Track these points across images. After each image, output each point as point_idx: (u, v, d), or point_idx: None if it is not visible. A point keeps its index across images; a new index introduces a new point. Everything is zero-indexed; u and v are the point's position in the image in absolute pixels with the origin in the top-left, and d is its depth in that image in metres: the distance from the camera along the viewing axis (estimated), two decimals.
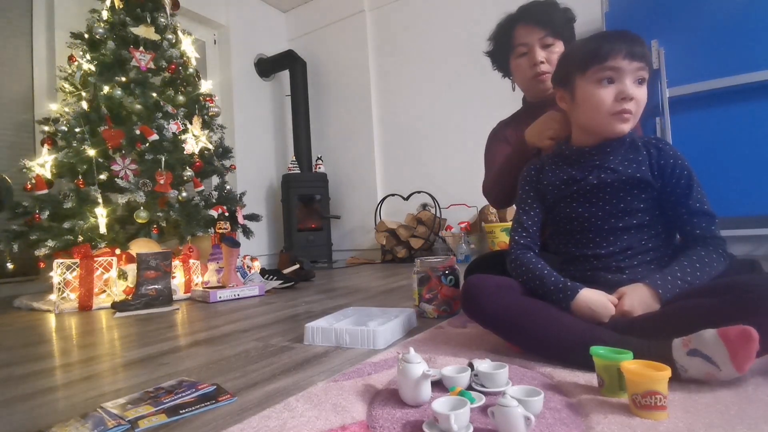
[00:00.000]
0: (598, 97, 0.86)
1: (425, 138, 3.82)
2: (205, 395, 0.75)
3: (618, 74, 0.84)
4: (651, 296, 0.79)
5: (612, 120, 0.86)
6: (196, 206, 2.41)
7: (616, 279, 0.87)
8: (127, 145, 2.28)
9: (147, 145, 2.28)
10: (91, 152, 2.19)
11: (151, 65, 2.43)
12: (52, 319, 1.71)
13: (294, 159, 3.94)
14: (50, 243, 2.04)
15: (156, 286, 1.88)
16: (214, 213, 2.47)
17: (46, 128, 2.29)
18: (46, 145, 2.24)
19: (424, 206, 3.63)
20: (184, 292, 2.12)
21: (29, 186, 2.16)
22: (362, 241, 4.09)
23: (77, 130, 2.21)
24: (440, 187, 3.63)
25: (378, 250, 3.78)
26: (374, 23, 4.10)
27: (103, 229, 2.12)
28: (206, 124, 2.66)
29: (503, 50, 1.31)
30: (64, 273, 1.90)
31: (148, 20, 2.49)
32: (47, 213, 2.10)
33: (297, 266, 2.41)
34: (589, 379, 0.71)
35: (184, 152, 2.43)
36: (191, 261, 2.22)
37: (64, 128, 2.21)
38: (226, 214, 2.56)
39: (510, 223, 2.94)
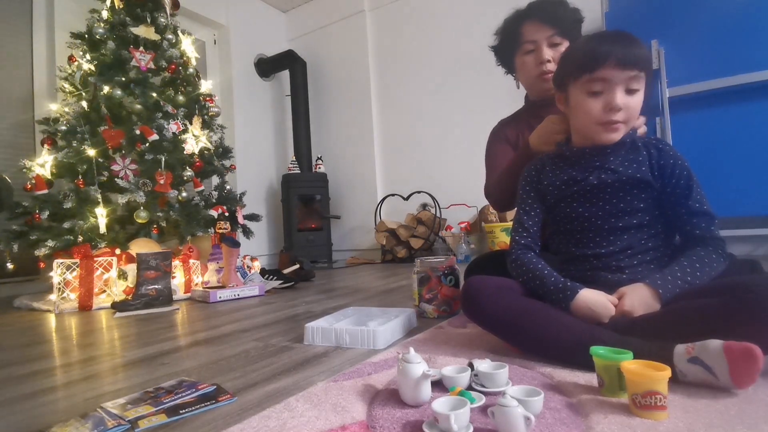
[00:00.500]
0: (586, 106, 0.87)
1: (425, 138, 3.82)
2: (205, 395, 0.75)
3: (607, 85, 0.84)
4: (651, 296, 0.79)
5: (600, 129, 0.87)
6: (196, 206, 2.41)
7: (616, 278, 0.87)
8: (127, 145, 2.28)
9: (147, 145, 2.28)
10: (91, 152, 2.19)
11: (151, 65, 2.43)
12: (52, 319, 1.71)
13: (294, 159, 3.94)
14: (50, 243, 2.04)
15: (156, 286, 1.88)
16: (214, 213, 2.47)
17: (46, 128, 2.29)
18: (46, 145, 2.24)
19: (424, 206, 3.63)
20: (184, 292, 2.12)
21: (29, 186, 2.16)
22: (362, 241, 4.09)
23: (77, 130, 2.21)
24: (440, 187, 3.63)
25: (378, 250, 3.78)
26: (374, 23, 4.10)
27: (103, 229, 2.12)
28: (206, 124, 2.66)
29: (509, 46, 1.29)
30: (64, 273, 1.90)
31: (148, 20, 2.49)
32: (47, 213, 2.10)
33: (297, 266, 2.41)
34: (589, 379, 0.71)
35: (184, 152, 2.43)
36: (191, 261, 2.22)
37: (64, 128, 2.21)
38: (226, 214, 2.56)
39: (510, 224, 2.94)
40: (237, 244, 2.17)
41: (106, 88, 2.28)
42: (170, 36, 2.56)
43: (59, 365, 1.05)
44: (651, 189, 0.88)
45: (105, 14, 2.41)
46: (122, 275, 1.98)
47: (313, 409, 0.66)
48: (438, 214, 3.50)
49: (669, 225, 0.91)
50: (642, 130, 0.98)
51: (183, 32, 2.71)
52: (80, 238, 2.09)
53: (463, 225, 3.36)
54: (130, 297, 1.85)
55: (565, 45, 1.21)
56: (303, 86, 4.06)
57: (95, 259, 1.93)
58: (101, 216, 2.13)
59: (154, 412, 0.68)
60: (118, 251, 2.07)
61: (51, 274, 1.97)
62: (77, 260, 1.89)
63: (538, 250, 0.98)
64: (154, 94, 2.40)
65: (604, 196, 0.90)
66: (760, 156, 2.25)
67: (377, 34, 4.08)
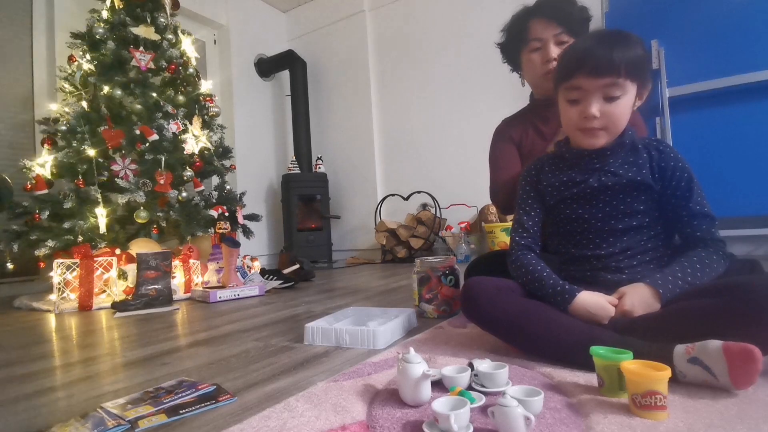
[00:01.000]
0: (566, 113, 0.89)
1: (425, 138, 3.82)
2: (205, 395, 0.75)
3: (582, 93, 0.85)
4: (651, 295, 0.79)
5: (579, 135, 0.89)
6: (196, 206, 2.41)
7: (615, 279, 0.87)
8: (127, 145, 2.28)
9: (147, 145, 2.28)
10: (91, 152, 2.19)
11: (151, 65, 2.43)
12: (52, 319, 1.71)
13: (294, 159, 3.94)
14: (50, 243, 2.04)
15: (156, 286, 1.88)
16: (214, 213, 2.47)
17: (46, 128, 2.29)
18: (46, 145, 2.24)
19: (424, 206, 3.63)
20: (184, 292, 2.12)
21: (29, 186, 2.16)
22: (362, 241, 4.09)
23: (77, 130, 2.21)
24: (440, 187, 3.63)
25: (378, 250, 3.78)
26: (374, 23, 4.10)
27: (103, 229, 2.12)
28: (206, 124, 2.66)
29: (516, 43, 1.27)
30: (64, 273, 1.90)
31: (148, 20, 2.49)
32: (47, 213, 2.10)
33: (297, 266, 2.41)
34: (589, 379, 0.71)
35: (184, 152, 2.43)
36: (191, 261, 2.22)
37: (64, 128, 2.21)
38: (226, 214, 2.56)
39: (510, 224, 2.94)
40: (237, 244, 2.17)
41: (106, 88, 2.28)
42: (170, 36, 2.56)
43: (59, 365, 1.05)
44: (651, 191, 0.88)
45: (105, 14, 2.41)
46: (122, 275, 1.98)
47: (313, 409, 0.66)
48: (438, 214, 3.50)
49: (669, 226, 0.91)
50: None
51: (183, 32, 2.71)
52: (80, 238, 2.09)
53: (463, 225, 3.36)
54: (130, 297, 1.85)
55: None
56: (303, 86, 4.06)
57: (95, 259, 1.93)
58: (101, 216, 2.13)
59: (154, 412, 0.68)
60: (118, 251, 2.07)
61: (51, 274, 1.97)
62: (77, 260, 1.89)
63: (538, 251, 0.98)
64: (154, 94, 2.41)
65: (603, 198, 0.90)
66: (760, 156, 2.25)
67: (377, 34, 4.08)
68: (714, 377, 0.63)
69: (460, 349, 0.94)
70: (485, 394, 0.68)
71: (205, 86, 2.70)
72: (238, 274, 2.18)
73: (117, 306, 1.76)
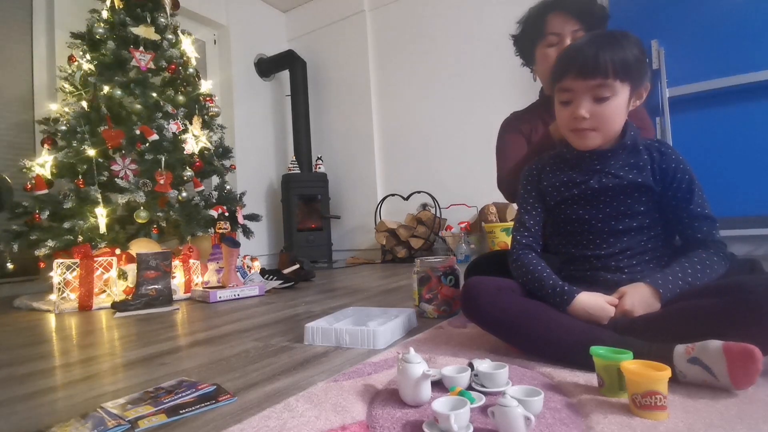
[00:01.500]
0: (559, 114, 0.91)
1: (425, 138, 3.82)
2: (205, 395, 0.75)
3: (572, 95, 0.86)
4: (651, 295, 0.79)
5: (571, 136, 0.90)
6: (196, 206, 2.41)
7: (615, 279, 0.87)
8: (127, 145, 2.28)
9: (147, 145, 2.28)
10: (91, 152, 2.19)
11: (151, 65, 2.43)
12: (52, 319, 1.71)
13: (294, 159, 3.94)
14: (50, 243, 2.04)
15: (156, 286, 1.88)
16: (214, 213, 2.47)
17: (46, 128, 2.29)
18: (46, 145, 2.24)
19: (424, 206, 3.63)
20: (184, 292, 2.12)
21: (29, 186, 2.16)
22: (362, 241, 4.09)
23: (77, 130, 2.21)
24: (440, 187, 3.63)
25: (378, 250, 3.78)
26: (374, 23, 4.10)
27: (103, 229, 2.12)
28: (206, 124, 2.66)
29: (531, 37, 1.24)
30: (64, 273, 1.90)
31: (148, 20, 2.49)
32: (47, 213, 2.10)
33: (297, 266, 2.41)
34: (589, 379, 0.71)
35: (184, 152, 2.43)
36: (191, 261, 2.22)
37: (64, 128, 2.21)
38: (226, 214, 2.56)
39: (510, 223, 2.94)
40: (237, 244, 2.17)
41: (106, 88, 2.28)
42: (170, 36, 2.56)
43: (59, 365, 1.05)
44: (652, 193, 0.88)
45: (105, 14, 2.41)
46: (122, 275, 1.98)
47: (313, 409, 0.66)
48: (438, 214, 3.50)
49: (669, 227, 0.91)
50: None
51: (183, 32, 2.71)
52: (80, 238, 2.09)
53: (463, 225, 3.36)
54: (130, 297, 1.85)
55: None
56: (303, 86, 4.05)
57: (95, 259, 1.93)
58: (101, 216, 2.13)
59: (154, 412, 0.68)
60: (118, 251, 2.07)
61: (51, 274, 1.97)
62: (77, 260, 1.89)
63: (539, 250, 0.98)
64: (154, 94, 2.41)
65: (604, 199, 0.90)
66: (760, 156, 2.25)
67: (377, 34, 4.08)
68: (714, 377, 0.63)
69: (460, 349, 0.94)
70: (485, 394, 0.68)
71: (205, 86, 2.70)
72: (238, 274, 2.18)
73: (117, 306, 1.76)
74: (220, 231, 2.45)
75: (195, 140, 2.51)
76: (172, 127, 2.39)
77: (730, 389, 0.63)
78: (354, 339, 1.03)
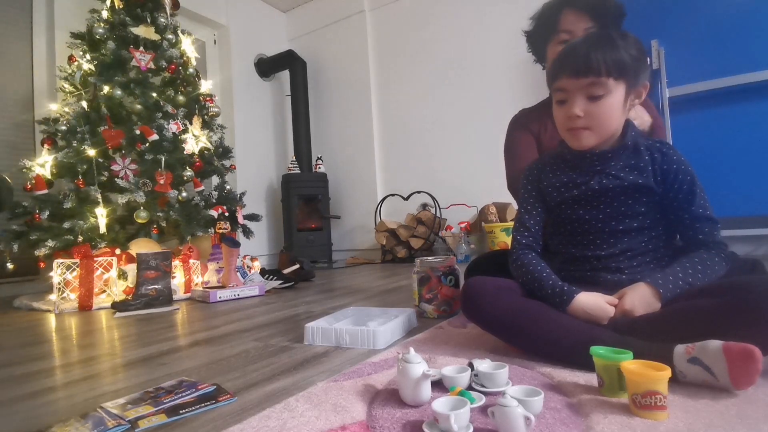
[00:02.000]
0: (555, 114, 0.91)
1: (425, 138, 3.82)
2: (205, 395, 0.75)
3: (567, 94, 0.86)
4: (651, 295, 0.79)
5: (567, 136, 0.90)
6: (196, 206, 2.41)
7: (615, 279, 0.87)
8: (127, 145, 2.28)
9: (147, 145, 2.28)
10: (91, 152, 2.19)
11: (151, 65, 2.43)
12: (52, 319, 1.71)
13: (294, 159, 3.94)
14: (50, 243, 2.04)
15: (156, 286, 1.88)
16: (214, 213, 2.47)
17: (46, 128, 2.29)
18: (46, 145, 2.24)
19: (424, 206, 3.63)
20: (184, 292, 2.12)
21: (29, 186, 2.16)
22: (362, 241, 4.09)
23: (77, 130, 2.21)
24: (440, 187, 3.63)
25: (378, 250, 3.78)
26: (374, 23, 4.10)
27: (103, 229, 2.12)
28: (206, 124, 2.66)
29: (544, 33, 1.23)
30: (64, 273, 1.90)
31: (148, 20, 2.49)
32: (47, 213, 2.10)
33: (297, 266, 2.41)
34: (589, 379, 0.71)
35: (184, 152, 2.43)
36: (191, 261, 2.22)
37: (64, 128, 2.21)
38: (226, 214, 2.56)
39: (510, 223, 2.94)
40: (237, 244, 2.17)
41: (106, 88, 2.28)
42: (170, 36, 2.56)
43: (59, 365, 1.05)
44: (653, 194, 0.88)
45: (105, 14, 2.41)
46: (122, 275, 1.98)
47: (313, 409, 0.66)
48: (438, 214, 3.50)
49: (670, 227, 0.91)
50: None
51: (183, 32, 2.71)
52: (80, 238, 2.09)
53: (463, 225, 3.36)
54: (130, 297, 1.85)
55: None
56: (303, 86, 4.05)
57: (95, 259, 1.93)
58: (101, 216, 2.13)
59: (154, 412, 0.68)
60: (118, 251, 2.07)
61: (51, 274, 1.97)
62: (77, 260, 1.89)
63: (539, 250, 0.98)
64: (154, 94, 2.40)
65: (604, 200, 0.90)
66: (760, 156, 2.25)
67: (377, 34, 4.08)
68: (714, 377, 0.63)
69: (460, 349, 0.94)
70: (485, 394, 0.68)
71: (205, 86, 2.70)
72: (238, 274, 2.18)
73: (117, 306, 1.76)
74: (220, 231, 2.45)
75: (195, 140, 2.51)
76: (172, 127, 2.39)
77: (730, 389, 0.63)
78: (354, 339, 1.03)
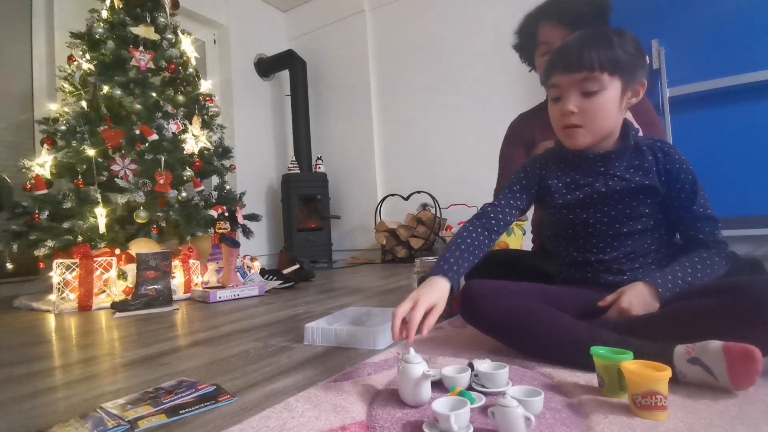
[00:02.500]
0: (551, 112, 0.89)
1: (425, 138, 3.81)
2: (204, 395, 0.75)
3: (561, 90, 0.85)
4: (649, 294, 0.79)
5: (563, 135, 0.89)
6: (195, 206, 2.41)
7: (617, 280, 0.87)
8: (127, 145, 2.28)
9: (147, 145, 2.27)
10: (91, 152, 2.19)
11: (151, 65, 2.43)
12: (51, 319, 1.71)
13: (294, 159, 3.94)
14: (50, 243, 2.04)
15: (156, 286, 1.87)
16: (214, 213, 2.47)
17: (46, 128, 2.29)
18: (45, 145, 2.23)
19: (424, 206, 3.63)
20: (184, 292, 2.12)
21: (29, 186, 2.16)
22: (362, 241, 4.09)
23: (77, 130, 2.21)
24: (440, 187, 3.63)
25: (378, 250, 3.78)
26: (374, 23, 4.10)
27: (102, 229, 2.12)
28: (206, 124, 2.66)
29: (528, 46, 1.26)
30: (64, 273, 1.90)
31: (148, 20, 2.49)
32: (47, 213, 2.10)
33: (297, 266, 2.41)
34: (590, 379, 0.71)
35: (184, 152, 2.43)
36: (191, 261, 2.22)
37: (64, 128, 2.21)
38: (226, 214, 2.56)
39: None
40: (237, 244, 2.17)
41: (105, 88, 2.28)
42: (170, 36, 2.55)
43: (59, 365, 1.05)
44: (657, 194, 0.87)
45: (105, 14, 2.41)
46: (122, 275, 1.98)
47: (313, 409, 0.66)
48: (438, 214, 3.50)
49: (671, 226, 0.91)
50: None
51: (183, 32, 2.70)
52: (80, 238, 2.09)
53: (463, 225, 3.35)
54: (129, 297, 1.85)
55: None
56: (303, 86, 4.05)
57: (95, 259, 1.93)
58: (101, 216, 2.13)
59: (154, 413, 0.68)
60: (117, 251, 2.07)
61: (51, 274, 1.97)
62: (77, 260, 1.89)
63: (496, 229, 0.93)
64: (154, 94, 2.40)
65: (609, 202, 0.89)
66: (760, 156, 2.25)
67: (377, 34, 4.08)
68: (714, 377, 0.63)
69: (460, 349, 0.94)
70: (485, 394, 0.68)
71: (205, 86, 2.70)
72: (238, 274, 2.18)
73: (117, 306, 1.76)
74: (220, 231, 2.45)
75: (195, 140, 2.50)
76: (172, 127, 2.39)
77: (729, 389, 0.63)
78: (354, 339, 1.03)
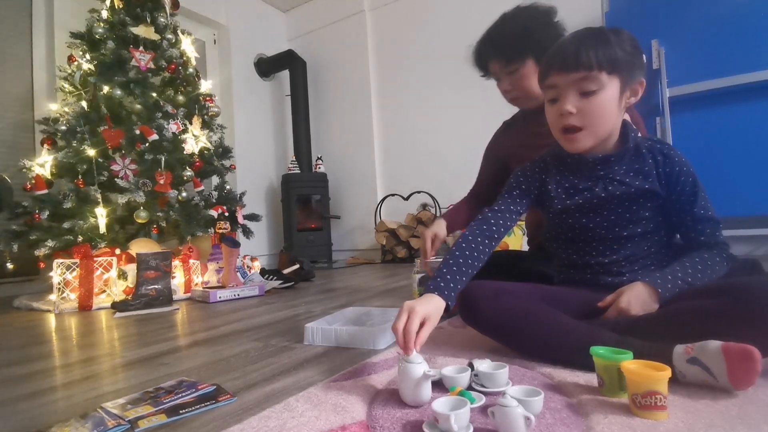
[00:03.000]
0: (548, 114, 0.88)
1: (425, 138, 3.81)
2: (205, 395, 0.75)
3: (559, 91, 0.83)
4: (648, 294, 0.79)
5: (562, 139, 0.87)
6: (196, 206, 2.41)
7: (616, 282, 0.87)
8: (127, 145, 2.28)
9: (147, 145, 2.27)
10: (91, 152, 2.19)
11: (151, 65, 2.43)
12: (51, 319, 1.71)
13: (294, 159, 3.94)
14: (50, 243, 2.04)
15: (156, 286, 1.87)
16: (214, 213, 2.47)
17: (46, 128, 2.29)
18: (46, 145, 2.23)
19: (424, 206, 3.63)
20: (184, 292, 2.12)
21: (29, 186, 2.16)
22: (362, 241, 4.09)
23: (77, 130, 2.21)
24: (440, 187, 3.62)
25: (378, 250, 3.78)
26: (374, 23, 4.10)
27: (103, 229, 2.12)
28: (206, 124, 2.66)
29: (486, 74, 1.35)
30: (64, 273, 1.90)
31: (148, 20, 2.49)
32: (47, 213, 2.10)
33: (297, 266, 2.41)
34: (589, 379, 0.71)
35: (184, 152, 2.43)
36: (191, 261, 2.22)
37: (64, 128, 2.21)
38: (226, 214, 2.56)
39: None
40: (237, 244, 2.17)
41: (105, 88, 2.28)
42: (170, 36, 2.55)
43: (59, 365, 1.05)
44: (658, 198, 0.86)
45: (105, 14, 2.41)
46: (122, 275, 1.98)
47: (313, 409, 0.66)
48: (438, 214, 3.50)
49: (671, 228, 0.90)
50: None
51: (183, 32, 2.70)
52: (80, 238, 2.09)
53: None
54: (130, 297, 1.85)
55: (524, 66, 1.22)
56: (303, 86, 4.05)
57: (95, 259, 1.93)
58: (101, 216, 2.13)
59: (154, 412, 0.68)
60: (118, 251, 2.07)
61: (51, 274, 1.97)
62: (77, 260, 1.89)
63: (496, 236, 0.92)
64: (154, 94, 2.40)
65: (609, 206, 0.88)
66: (760, 156, 2.24)
67: (377, 34, 4.08)
68: (713, 377, 0.63)
69: (460, 349, 0.94)
70: (485, 394, 0.68)
71: (205, 86, 2.70)
72: (238, 274, 2.18)
73: (117, 306, 1.76)
74: (220, 231, 2.45)
75: (195, 140, 2.50)
76: (172, 127, 2.39)
77: (729, 389, 0.63)
78: (354, 339, 1.03)
